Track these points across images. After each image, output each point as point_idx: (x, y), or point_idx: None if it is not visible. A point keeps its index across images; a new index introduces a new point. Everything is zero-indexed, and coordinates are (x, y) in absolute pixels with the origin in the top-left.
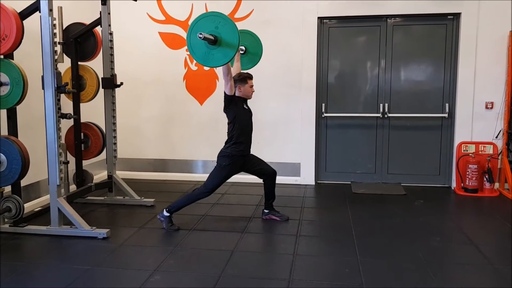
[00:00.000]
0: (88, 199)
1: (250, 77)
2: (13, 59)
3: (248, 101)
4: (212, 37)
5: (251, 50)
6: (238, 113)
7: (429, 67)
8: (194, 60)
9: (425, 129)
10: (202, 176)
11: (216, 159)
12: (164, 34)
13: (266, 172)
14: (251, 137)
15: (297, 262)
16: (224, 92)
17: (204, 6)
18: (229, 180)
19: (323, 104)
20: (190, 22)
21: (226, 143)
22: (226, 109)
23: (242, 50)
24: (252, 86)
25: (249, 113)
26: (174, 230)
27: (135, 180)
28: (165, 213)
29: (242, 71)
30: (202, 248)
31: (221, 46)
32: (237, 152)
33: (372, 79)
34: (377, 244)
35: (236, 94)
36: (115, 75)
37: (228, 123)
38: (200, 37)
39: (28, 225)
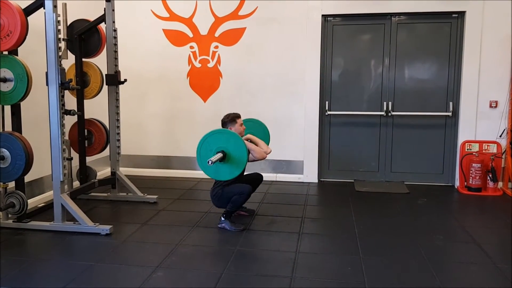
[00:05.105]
0: (92, 196)
1: (238, 116)
2: (17, 55)
3: (253, 97)
4: (221, 154)
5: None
6: None
7: (433, 66)
8: (198, 57)
9: (429, 127)
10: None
11: None
12: (168, 31)
13: None
14: None
15: (300, 260)
16: None
17: (208, 3)
18: None
19: (327, 102)
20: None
21: None
22: None
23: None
24: (242, 124)
25: None
26: (240, 230)
27: (138, 176)
28: (222, 218)
29: (229, 112)
30: (204, 245)
31: (229, 162)
32: None
33: (376, 77)
34: (380, 243)
35: None
36: (119, 71)
37: None
38: (209, 164)
39: (31, 220)
